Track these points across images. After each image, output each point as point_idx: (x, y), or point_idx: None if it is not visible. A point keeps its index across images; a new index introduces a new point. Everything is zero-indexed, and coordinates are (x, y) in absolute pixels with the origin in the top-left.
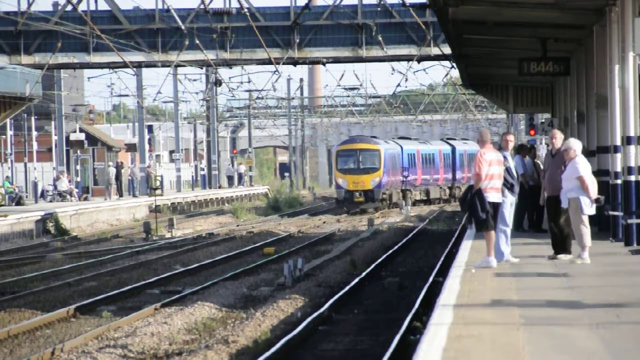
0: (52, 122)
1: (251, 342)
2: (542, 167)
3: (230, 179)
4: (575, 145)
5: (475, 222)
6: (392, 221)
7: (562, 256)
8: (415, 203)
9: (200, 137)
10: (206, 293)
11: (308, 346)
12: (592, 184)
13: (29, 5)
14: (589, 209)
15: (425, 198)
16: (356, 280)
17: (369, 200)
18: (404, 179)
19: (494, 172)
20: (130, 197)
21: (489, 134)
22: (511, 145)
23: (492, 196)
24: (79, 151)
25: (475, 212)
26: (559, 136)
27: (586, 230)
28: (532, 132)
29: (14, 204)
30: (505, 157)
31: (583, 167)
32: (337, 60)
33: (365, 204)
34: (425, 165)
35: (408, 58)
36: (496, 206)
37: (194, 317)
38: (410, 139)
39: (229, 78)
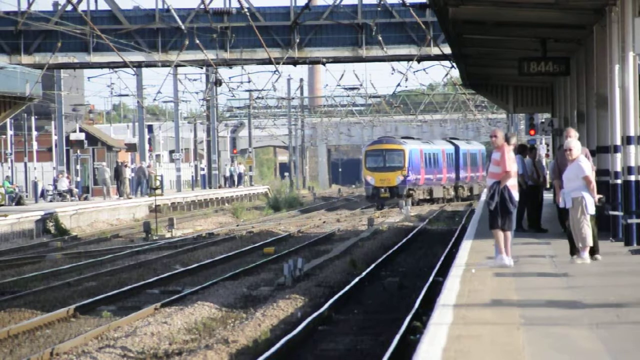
0: (52, 122)
1: (251, 342)
2: (543, 166)
3: (226, 179)
4: (577, 145)
5: (501, 218)
6: (392, 221)
7: (597, 256)
8: (465, 199)
9: (200, 137)
10: (206, 293)
11: (308, 346)
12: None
13: (29, 5)
14: (593, 208)
15: (469, 194)
16: (356, 280)
17: (394, 195)
18: (404, 179)
19: (515, 170)
20: (133, 196)
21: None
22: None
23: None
24: (79, 151)
25: (507, 207)
26: (573, 134)
27: (589, 231)
28: (532, 132)
29: (14, 203)
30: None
31: (587, 167)
32: (337, 60)
33: (390, 199)
34: (472, 164)
35: (408, 58)
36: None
37: (194, 317)
38: (458, 139)
39: (229, 78)
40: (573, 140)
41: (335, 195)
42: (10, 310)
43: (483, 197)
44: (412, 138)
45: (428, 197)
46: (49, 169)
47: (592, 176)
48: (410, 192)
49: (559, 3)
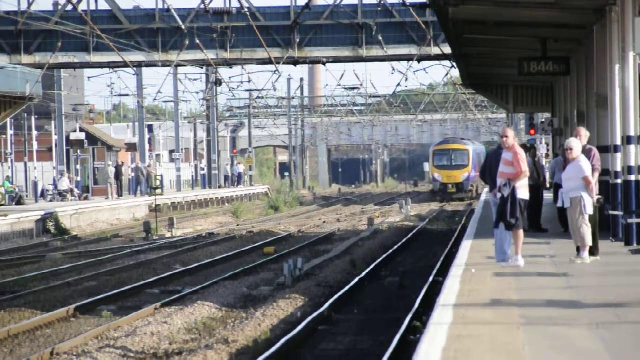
0: (52, 122)
1: (251, 341)
2: (543, 166)
3: (226, 178)
4: (576, 145)
5: (511, 220)
6: (392, 221)
7: (592, 257)
8: None
9: (201, 137)
10: (206, 293)
11: (308, 346)
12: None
13: (29, 5)
14: (591, 208)
15: None
16: (356, 280)
17: (459, 191)
18: (468, 176)
19: (527, 170)
20: (133, 196)
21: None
22: None
23: (522, 193)
24: (79, 151)
25: (515, 207)
26: (583, 133)
27: (588, 230)
28: (532, 132)
29: (14, 203)
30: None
31: (587, 167)
32: (337, 60)
33: (456, 194)
34: None
35: (408, 58)
36: (525, 203)
37: (194, 317)
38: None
39: (229, 78)
40: (573, 140)
41: (336, 195)
42: (10, 310)
43: (483, 196)
44: (465, 139)
45: (479, 192)
46: (49, 168)
47: (593, 177)
48: (471, 188)
49: (559, 3)
